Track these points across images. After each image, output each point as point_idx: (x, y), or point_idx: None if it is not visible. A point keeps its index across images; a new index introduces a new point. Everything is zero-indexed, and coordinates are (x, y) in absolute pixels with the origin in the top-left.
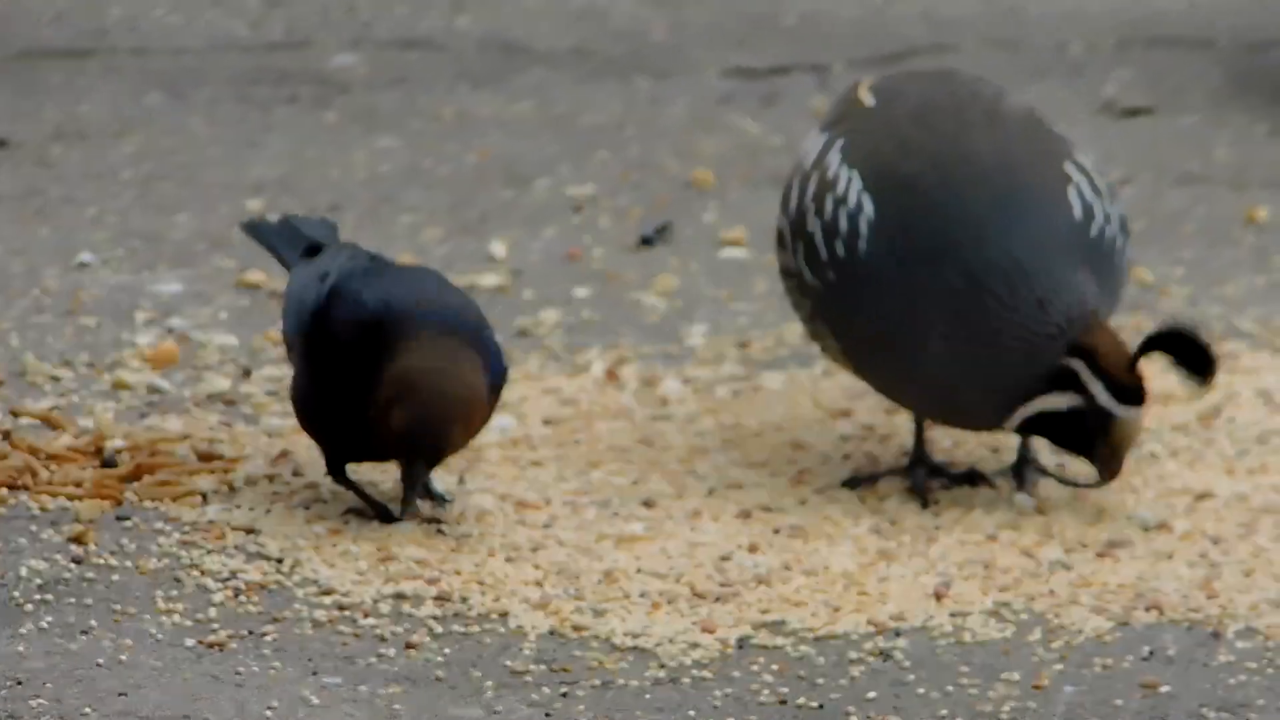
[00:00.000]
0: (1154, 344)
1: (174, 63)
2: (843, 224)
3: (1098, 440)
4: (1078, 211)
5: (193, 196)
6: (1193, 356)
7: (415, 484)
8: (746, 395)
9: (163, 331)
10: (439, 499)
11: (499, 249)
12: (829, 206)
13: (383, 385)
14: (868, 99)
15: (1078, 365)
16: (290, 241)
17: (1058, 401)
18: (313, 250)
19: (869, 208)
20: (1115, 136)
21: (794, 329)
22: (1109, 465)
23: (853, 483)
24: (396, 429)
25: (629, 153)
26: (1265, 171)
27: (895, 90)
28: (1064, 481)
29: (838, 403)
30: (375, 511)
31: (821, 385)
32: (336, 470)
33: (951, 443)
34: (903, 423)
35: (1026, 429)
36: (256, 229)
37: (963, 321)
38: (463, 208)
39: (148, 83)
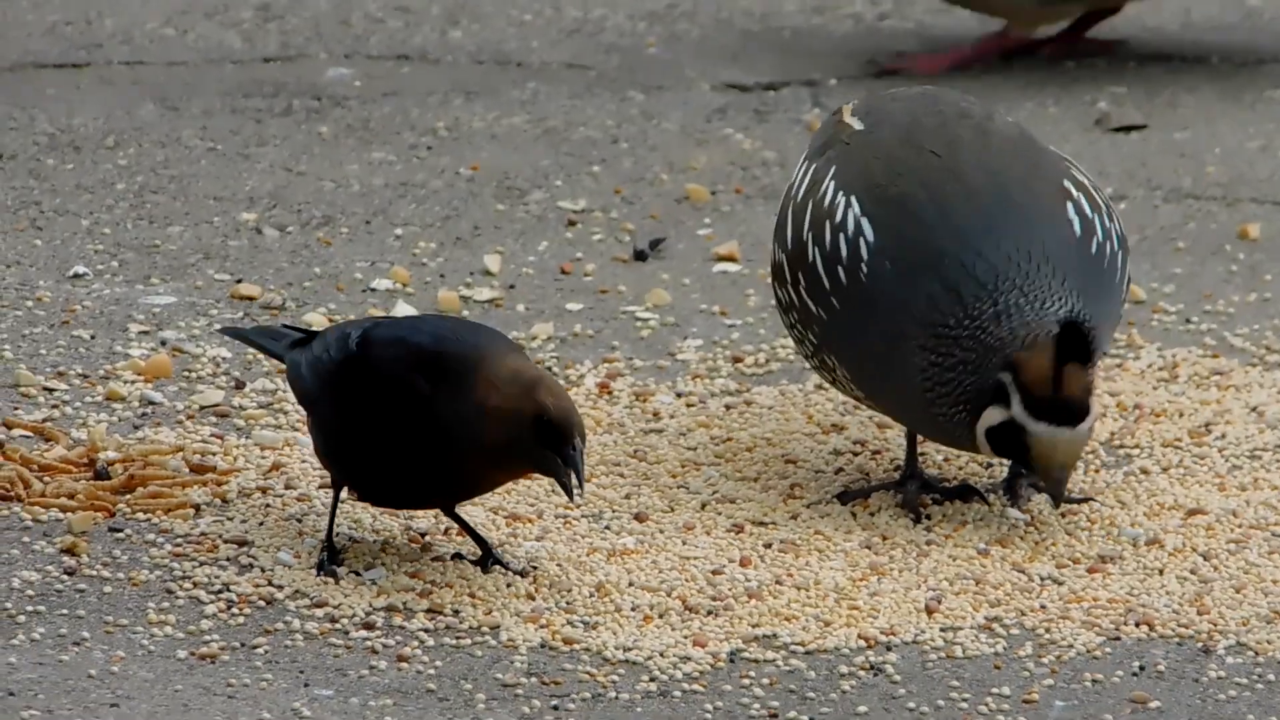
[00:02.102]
0: (1068, 353)
1: (168, 75)
2: (843, 250)
3: (1029, 458)
4: (1076, 227)
5: (186, 209)
6: (1080, 344)
7: (581, 462)
8: (739, 409)
9: (156, 344)
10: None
11: (492, 262)
12: (828, 234)
13: (495, 392)
14: (854, 123)
15: (1006, 379)
16: (272, 336)
17: (991, 417)
18: (305, 337)
19: (868, 231)
20: (1108, 152)
21: (786, 344)
22: (1044, 483)
23: (845, 497)
24: (554, 417)
25: (622, 167)
26: (1257, 188)
27: (882, 112)
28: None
29: (830, 417)
30: (480, 546)
31: (814, 400)
32: (451, 512)
33: (944, 458)
34: (895, 438)
35: (996, 449)
36: (238, 332)
37: (935, 331)
38: (456, 221)
39: (141, 95)
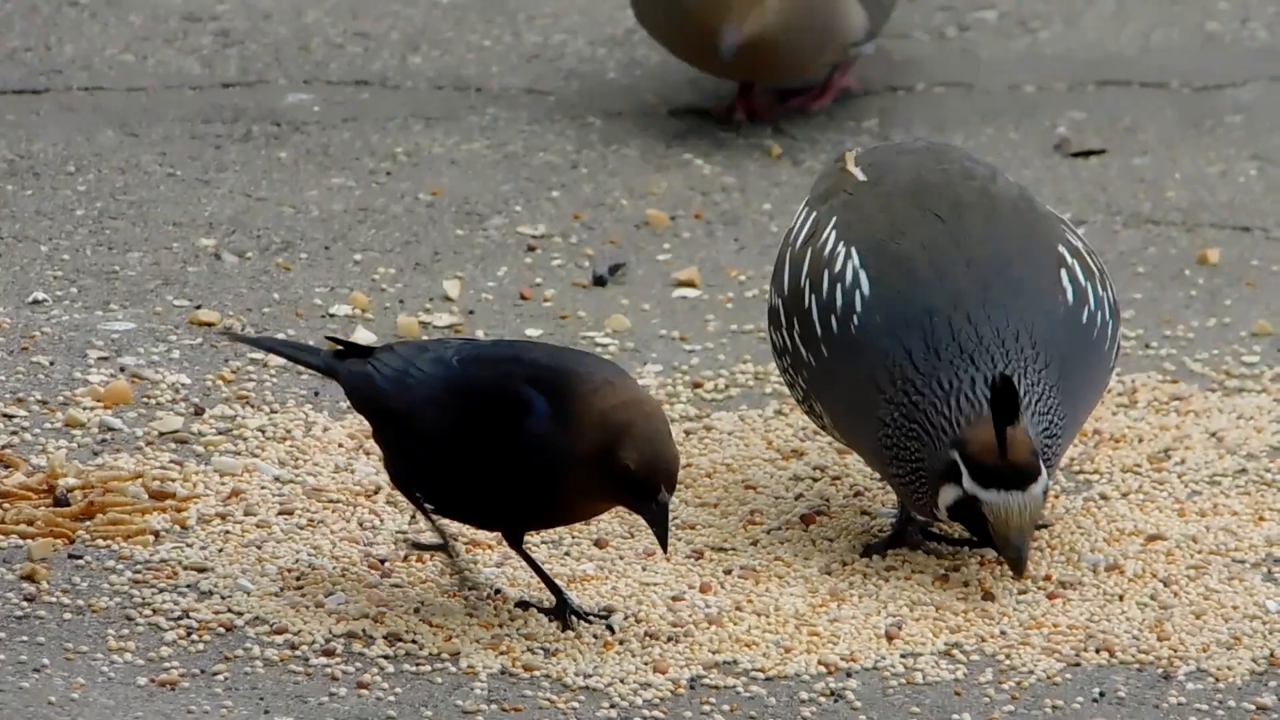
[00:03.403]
0: (1001, 418)
1: (127, 101)
2: (839, 300)
3: (988, 530)
4: (1069, 295)
5: (145, 234)
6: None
7: (667, 516)
8: (699, 435)
9: (115, 370)
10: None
11: (452, 288)
12: (825, 283)
13: (597, 433)
14: (857, 173)
15: (955, 456)
16: (298, 347)
17: (947, 496)
18: (354, 350)
19: (865, 284)
20: (1067, 177)
21: (746, 369)
22: (1003, 553)
23: (870, 550)
24: (637, 467)
25: (582, 192)
26: (1216, 213)
27: (886, 165)
28: None
29: (790, 443)
30: (554, 593)
31: (773, 425)
32: (516, 542)
33: None
34: (854, 463)
35: (964, 525)
36: (262, 342)
37: (903, 389)
38: (416, 246)
39: (101, 120)
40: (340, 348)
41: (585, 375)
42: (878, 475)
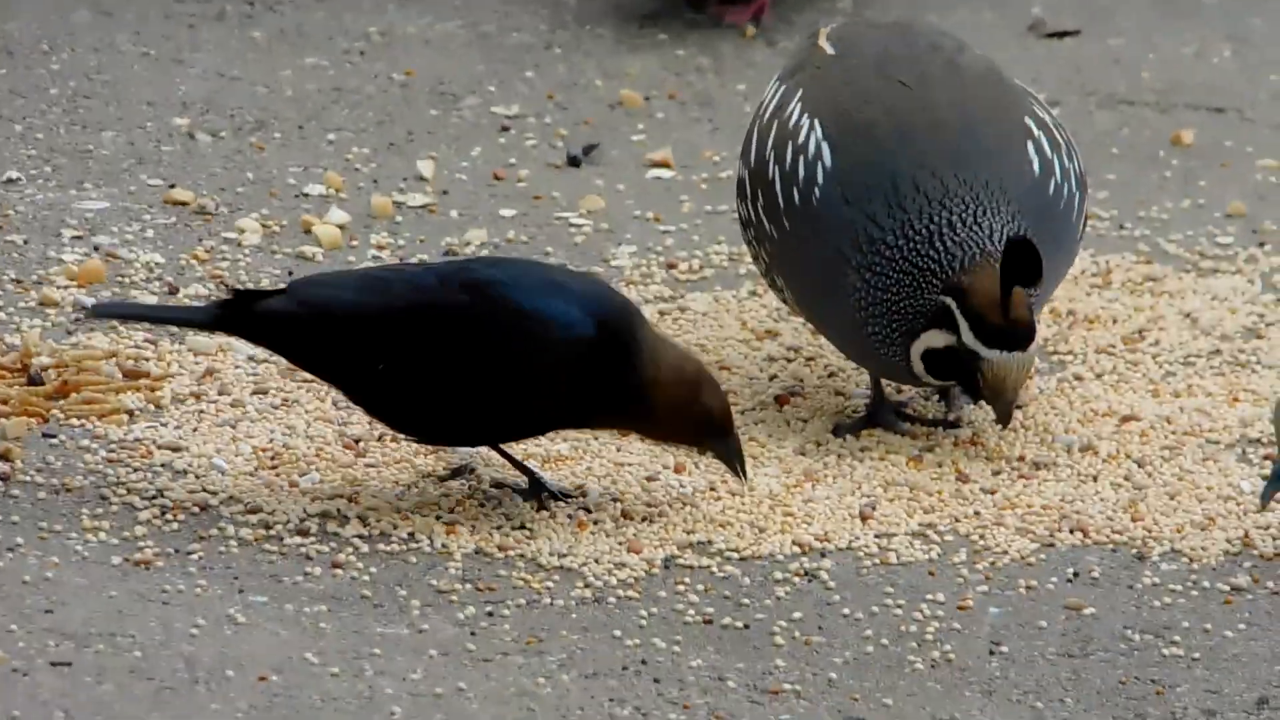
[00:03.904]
0: (1010, 278)
1: None
2: (800, 171)
3: (979, 382)
4: (1035, 165)
5: (119, 114)
6: (1031, 264)
7: (740, 447)
8: (673, 316)
9: (89, 249)
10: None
11: (426, 168)
12: (789, 155)
13: (661, 387)
14: (827, 47)
15: (951, 304)
16: (171, 310)
17: (935, 339)
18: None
19: (826, 156)
20: (1042, 58)
21: (720, 250)
22: (995, 407)
23: (839, 430)
24: (714, 414)
25: (555, 72)
26: (1191, 94)
27: (855, 39)
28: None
29: (764, 324)
30: (526, 475)
31: (748, 306)
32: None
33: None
34: (827, 344)
35: (934, 373)
36: (130, 311)
37: (873, 249)
38: (389, 127)
39: (75, 0)
40: (230, 297)
41: (634, 318)
42: (843, 354)
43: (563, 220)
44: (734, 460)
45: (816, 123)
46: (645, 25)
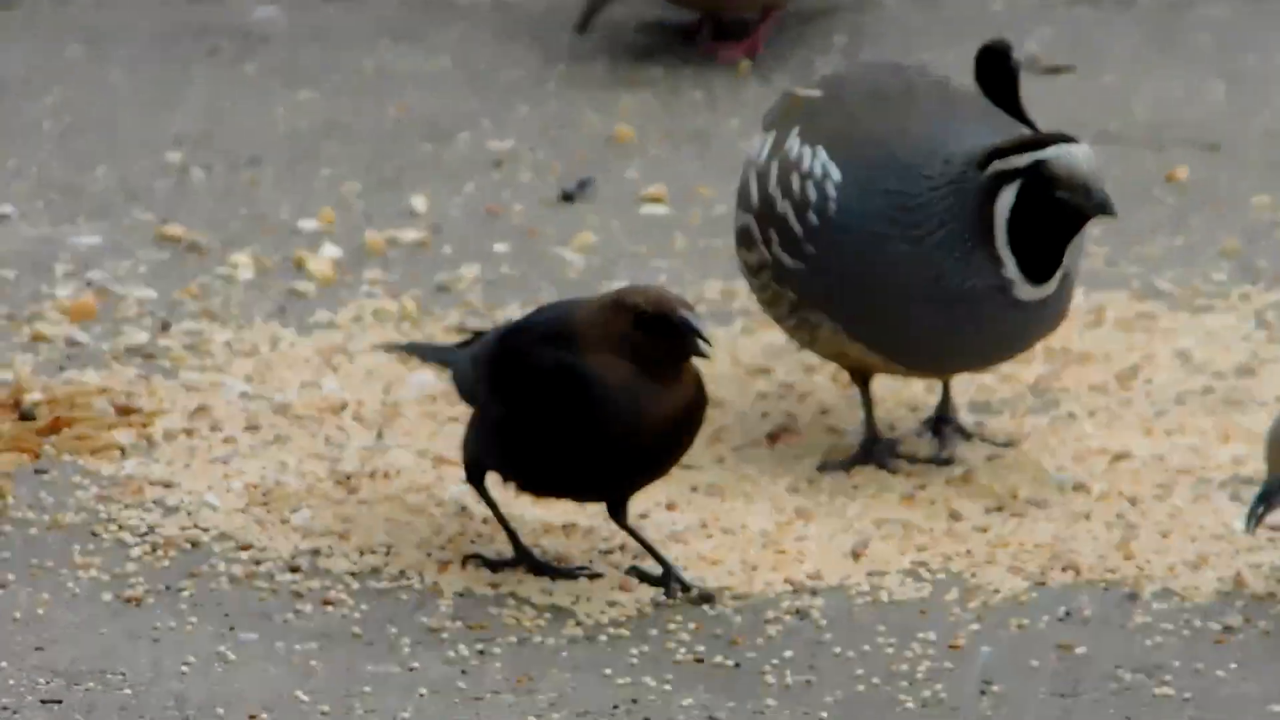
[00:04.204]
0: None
1: (95, 15)
2: (811, 194)
3: (1062, 198)
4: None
5: (112, 149)
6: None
7: (696, 322)
8: None
9: (81, 284)
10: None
11: (419, 204)
12: (796, 184)
13: (601, 320)
14: (812, 93)
15: (996, 164)
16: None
17: (1007, 199)
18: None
19: (834, 172)
20: (1036, 94)
21: (713, 286)
22: (1090, 202)
23: (825, 467)
24: (647, 303)
25: (549, 108)
26: (1185, 131)
27: (841, 81)
28: (984, 441)
29: (756, 360)
30: (661, 564)
31: (740, 343)
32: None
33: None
34: (822, 381)
35: (1025, 241)
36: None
37: (907, 214)
38: (382, 162)
39: (68, 35)
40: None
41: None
42: (827, 370)
43: (556, 256)
44: (694, 333)
45: (819, 149)
46: (640, 61)
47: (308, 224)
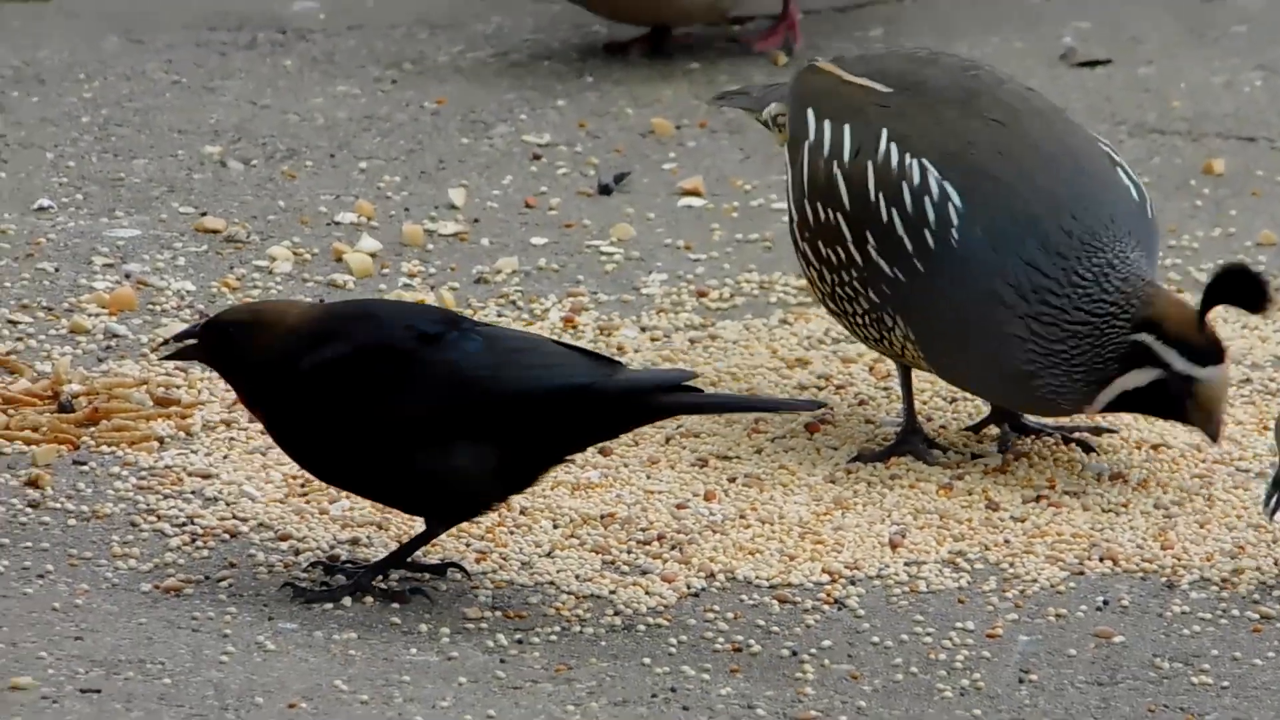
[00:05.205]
0: (1215, 296)
1: (132, 7)
2: (930, 214)
3: (1189, 406)
4: (1134, 191)
5: (150, 142)
6: (1248, 291)
7: None
8: (703, 344)
9: (120, 276)
10: None
11: (457, 196)
12: (908, 197)
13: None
14: (868, 83)
15: (1148, 339)
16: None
17: (1138, 379)
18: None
19: (955, 196)
20: (1072, 87)
21: (750, 278)
22: (1208, 427)
23: (861, 459)
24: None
25: (587, 101)
26: (1222, 123)
27: (898, 74)
28: (1056, 431)
29: (794, 352)
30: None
31: (778, 334)
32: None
33: (946, 413)
34: (859, 373)
35: (1114, 408)
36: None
37: (1040, 299)
38: (421, 154)
39: (106, 27)
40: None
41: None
42: (984, 395)
43: (594, 248)
44: None
45: (927, 163)
46: (677, 53)
47: (346, 216)
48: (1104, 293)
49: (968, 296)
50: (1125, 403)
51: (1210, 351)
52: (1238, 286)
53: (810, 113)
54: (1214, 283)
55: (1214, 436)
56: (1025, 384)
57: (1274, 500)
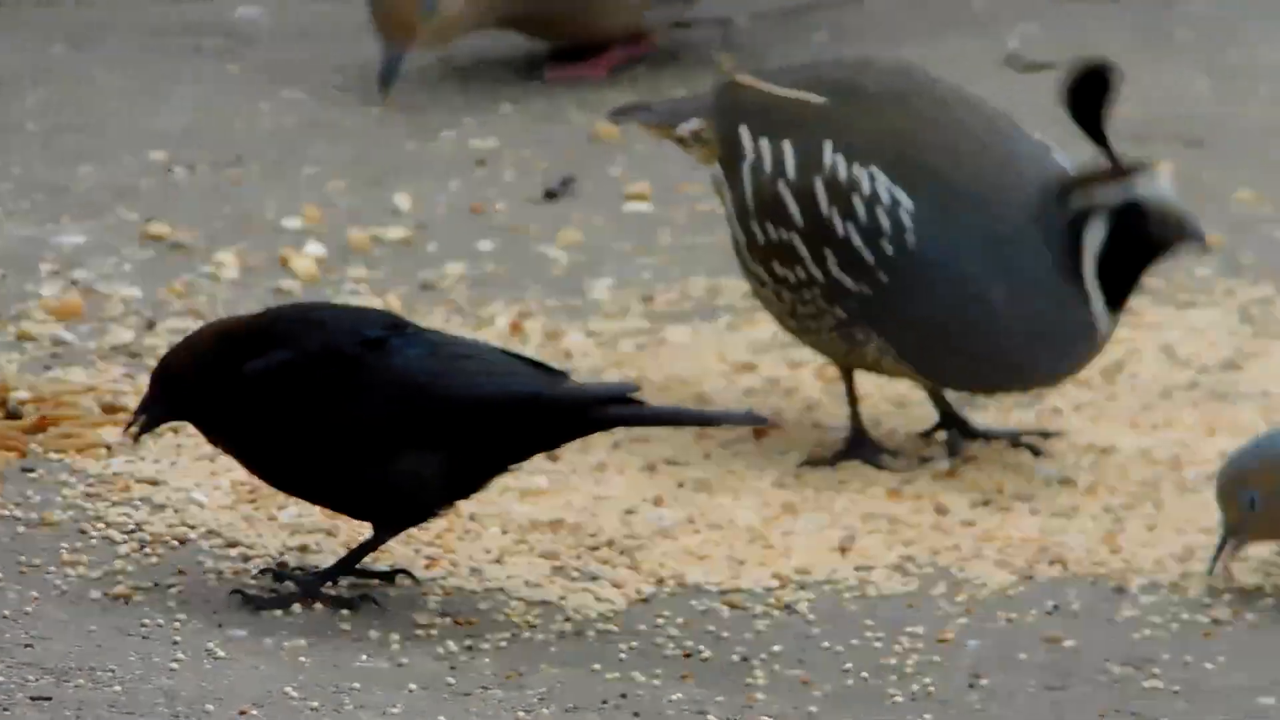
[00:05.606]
0: (1080, 111)
1: (79, 14)
2: (884, 223)
3: (1154, 232)
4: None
5: (97, 148)
6: (1098, 83)
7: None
8: (651, 349)
9: (67, 283)
10: None
11: (403, 202)
12: (861, 208)
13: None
14: (804, 96)
15: (1077, 197)
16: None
17: (1096, 236)
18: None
19: (904, 199)
20: (1019, 91)
21: (698, 283)
22: (1184, 231)
23: (810, 463)
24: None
25: (533, 106)
26: (1169, 127)
27: (831, 82)
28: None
29: (742, 356)
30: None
31: (726, 339)
32: None
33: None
34: (807, 377)
35: (1118, 290)
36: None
37: (999, 248)
38: (367, 160)
39: (52, 34)
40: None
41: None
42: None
43: (541, 254)
44: None
45: (876, 172)
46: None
47: (292, 222)
48: (1025, 196)
49: (943, 291)
50: (1113, 271)
51: (1131, 168)
52: (1090, 86)
53: (744, 130)
54: (1070, 95)
55: (1199, 237)
56: (1030, 334)
57: (1216, 564)
